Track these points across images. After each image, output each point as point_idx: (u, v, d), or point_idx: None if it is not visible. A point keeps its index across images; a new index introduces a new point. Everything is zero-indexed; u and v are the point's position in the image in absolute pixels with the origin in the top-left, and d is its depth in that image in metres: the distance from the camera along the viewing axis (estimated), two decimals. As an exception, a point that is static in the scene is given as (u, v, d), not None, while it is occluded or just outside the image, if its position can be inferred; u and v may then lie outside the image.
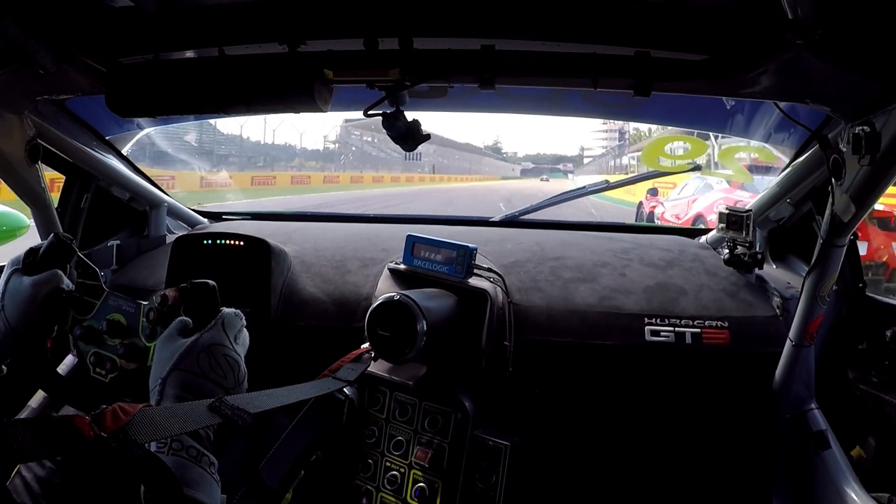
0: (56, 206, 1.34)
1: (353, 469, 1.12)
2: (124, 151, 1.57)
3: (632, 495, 1.28)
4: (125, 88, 0.92)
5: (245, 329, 0.77)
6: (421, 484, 1.05)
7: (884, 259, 4.51)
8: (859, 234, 1.19)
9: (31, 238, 1.20)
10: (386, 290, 1.25)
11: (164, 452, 0.63)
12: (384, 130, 0.95)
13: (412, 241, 1.24)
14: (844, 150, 0.89)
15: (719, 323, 1.21)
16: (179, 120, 2.04)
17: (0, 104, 1.02)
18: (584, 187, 1.93)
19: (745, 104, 1.40)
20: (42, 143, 1.16)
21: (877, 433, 1.19)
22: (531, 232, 1.62)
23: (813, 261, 1.05)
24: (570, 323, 1.23)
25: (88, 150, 1.36)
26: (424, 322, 1.01)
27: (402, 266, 1.26)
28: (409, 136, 0.96)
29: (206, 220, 1.86)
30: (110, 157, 1.47)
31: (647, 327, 1.22)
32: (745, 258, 1.34)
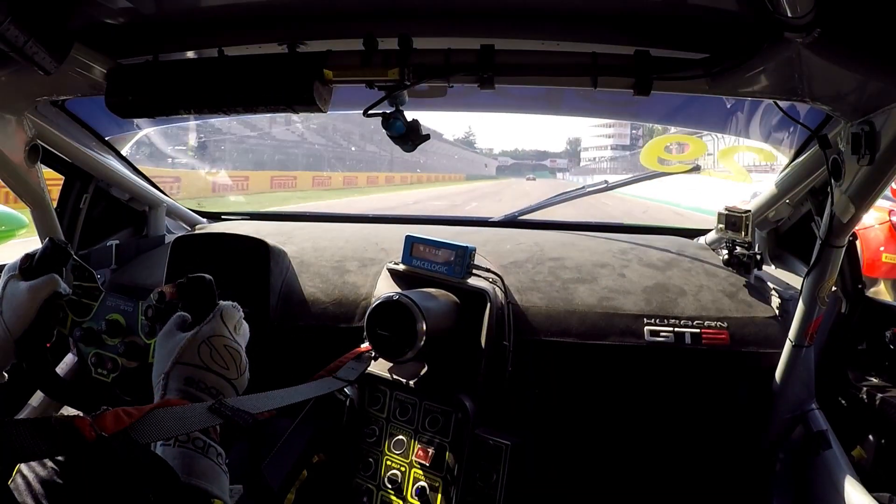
0: (55, 206, 1.34)
1: (354, 468, 1.12)
2: (124, 152, 1.58)
3: (632, 495, 1.28)
4: (125, 89, 0.93)
5: (244, 321, 0.78)
6: (421, 483, 1.05)
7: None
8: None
9: (32, 238, 1.20)
10: (385, 290, 1.25)
11: (170, 444, 0.63)
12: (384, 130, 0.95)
13: (411, 242, 1.24)
14: (844, 149, 0.89)
15: (719, 323, 1.21)
16: (179, 120, 2.04)
17: (0, 105, 1.02)
18: (584, 187, 1.92)
19: (745, 103, 1.40)
20: (42, 143, 1.16)
21: (877, 433, 1.19)
22: (530, 232, 1.62)
23: (812, 261, 1.05)
24: (569, 323, 1.23)
25: (88, 150, 1.36)
26: (424, 322, 1.01)
27: (401, 266, 1.26)
28: (409, 136, 0.96)
29: (205, 220, 1.86)
30: (110, 157, 1.48)
31: (646, 328, 1.22)
32: (745, 259, 1.34)
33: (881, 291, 3.86)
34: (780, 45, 0.76)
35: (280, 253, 1.37)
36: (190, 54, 0.99)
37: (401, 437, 1.10)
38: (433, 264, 1.20)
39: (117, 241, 1.52)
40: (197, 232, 1.72)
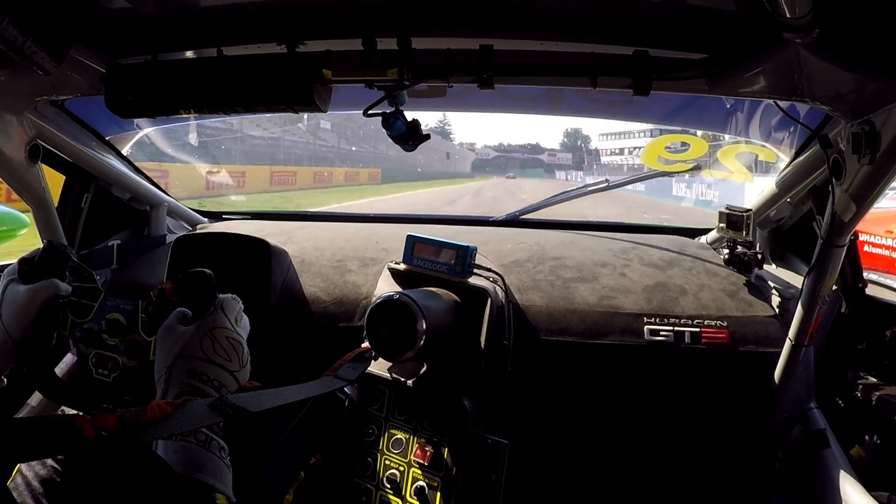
0: (56, 206, 1.34)
1: (353, 468, 1.12)
2: (124, 151, 1.58)
3: (632, 494, 1.28)
4: (124, 89, 0.93)
5: (244, 314, 0.78)
6: (420, 483, 1.05)
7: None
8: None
9: (31, 238, 1.20)
10: (386, 289, 1.25)
11: (172, 439, 0.63)
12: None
13: (412, 241, 1.24)
14: (844, 148, 0.89)
15: (719, 323, 1.21)
16: (179, 120, 2.04)
17: (0, 105, 1.02)
18: (585, 186, 1.92)
19: (745, 103, 1.40)
20: (42, 143, 1.16)
21: (876, 432, 1.19)
22: (531, 231, 1.62)
23: (813, 260, 1.05)
24: (569, 322, 1.23)
25: (88, 150, 1.36)
26: (424, 321, 1.01)
27: (401, 265, 1.26)
28: (409, 136, 0.96)
29: (206, 219, 1.86)
30: (110, 157, 1.48)
31: (646, 327, 1.22)
32: (745, 258, 1.34)
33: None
34: (779, 45, 0.75)
35: (281, 252, 1.37)
36: (189, 54, 0.99)
37: (399, 436, 1.11)
38: (434, 263, 1.20)
39: (119, 241, 1.52)
40: (198, 231, 1.72)
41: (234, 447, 0.81)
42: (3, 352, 0.80)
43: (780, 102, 1.04)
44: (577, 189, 1.91)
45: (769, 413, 1.19)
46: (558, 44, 0.88)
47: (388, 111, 0.93)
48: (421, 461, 1.06)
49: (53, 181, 1.31)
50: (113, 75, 0.93)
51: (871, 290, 1.30)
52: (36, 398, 1.16)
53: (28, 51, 0.78)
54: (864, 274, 1.29)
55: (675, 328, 1.21)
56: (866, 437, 1.21)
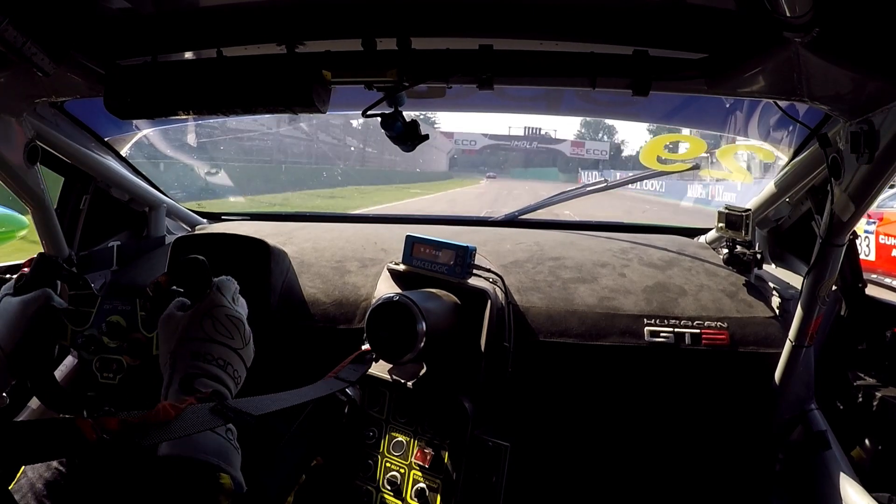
0: (55, 207, 1.34)
1: (353, 470, 1.12)
2: (123, 153, 1.58)
3: (632, 495, 1.28)
4: (123, 90, 0.92)
5: (240, 295, 0.79)
6: (421, 484, 1.05)
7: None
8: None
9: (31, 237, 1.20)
10: (385, 290, 1.25)
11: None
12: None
13: (412, 242, 1.24)
14: (843, 148, 0.89)
15: (719, 323, 1.21)
16: (178, 121, 2.04)
17: (-1, 106, 1.02)
18: (584, 186, 1.92)
19: (744, 103, 1.40)
20: (41, 144, 1.16)
21: (877, 433, 1.18)
22: (530, 232, 1.62)
23: (812, 260, 1.05)
24: (569, 323, 1.23)
25: (87, 151, 1.36)
26: (424, 322, 1.01)
27: (401, 266, 1.26)
28: (408, 137, 0.96)
29: (205, 220, 1.86)
30: (109, 158, 1.48)
31: (646, 328, 1.21)
32: (745, 258, 1.34)
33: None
34: (779, 45, 0.75)
35: (280, 253, 1.37)
36: (188, 55, 0.99)
37: (400, 438, 1.10)
38: (434, 264, 1.20)
39: (118, 242, 1.52)
40: (197, 232, 1.72)
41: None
42: None
43: (779, 102, 1.04)
44: (576, 189, 1.91)
45: (770, 414, 1.19)
46: (557, 44, 0.88)
47: (387, 112, 0.93)
48: (421, 463, 1.06)
49: (53, 183, 1.31)
50: (112, 77, 0.93)
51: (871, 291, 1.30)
52: (36, 401, 1.16)
53: (27, 52, 0.79)
54: (890, 281, 1.29)
55: (676, 329, 1.21)
56: (867, 439, 1.21)
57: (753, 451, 1.22)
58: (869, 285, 1.28)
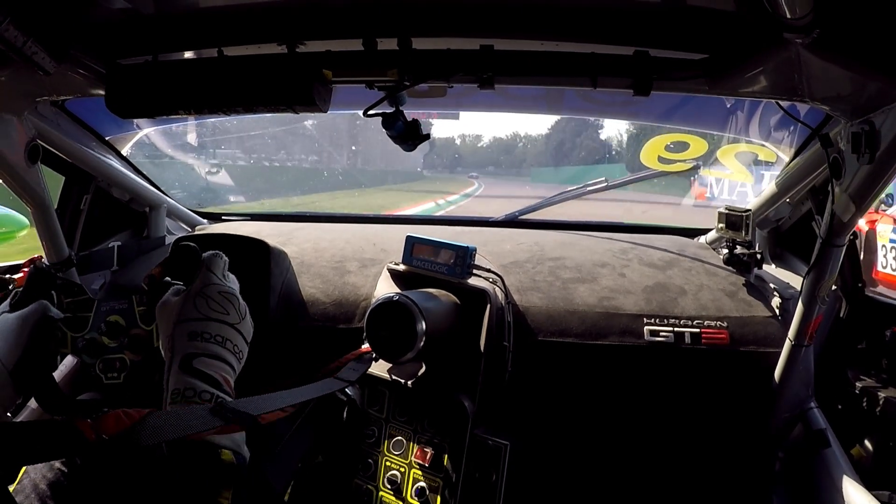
0: (56, 207, 1.34)
1: (353, 469, 1.12)
2: (124, 152, 1.58)
3: (632, 494, 1.28)
4: (124, 89, 0.92)
5: (230, 272, 0.79)
6: (421, 483, 1.05)
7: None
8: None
9: (31, 240, 1.20)
10: (385, 290, 1.25)
11: (177, 402, 0.64)
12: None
13: (412, 242, 1.24)
14: (844, 148, 0.89)
15: (719, 323, 1.21)
16: (179, 121, 2.04)
17: (0, 105, 1.02)
18: (584, 186, 1.92)
19: (745, 103, 1.40)
20: (42, 143, 1.16)
21: (876, 432, 1.19)
22: (530, 232, 1.62)
23: (812, 260, 1.05)
24: (569, 323, 1.23)
25: (88, 150, 1.36)
26: (423, 322, 1.01)
27: (401, 266, 1.26)
28: (409, 136, 0.96)
29: (205, 220, 1.86)
30: (110, 157, 1.48)
31: (646, 327, 1.22)
32: (745, 258, 1.34)
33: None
34: (780, 45, 0.75)
35: (280, 254, 1.37)
36: (189, 54, 0.99)
37: (400, 437, 1.10)
38: (434, 264, 1.20)
39: (119, 243, 1.52)
40: (197, 233, 1.72)
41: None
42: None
43: (780, 102, 1.04)
44: (575, 189, 1.91)
45: (769, 413, 1.19)
46: (558, 44, 0.88)
47: (388, 111, 0.93)
48: (421, 462, 1.06)
49: (53, 182, 1.31)
50: (113, 75, 0.93)
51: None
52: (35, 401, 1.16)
53: (28, 51, 0.79)
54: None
55: (675, 329, 1.21)
56: (867, 437, 1.21)
57: (753, 450, 1.22)
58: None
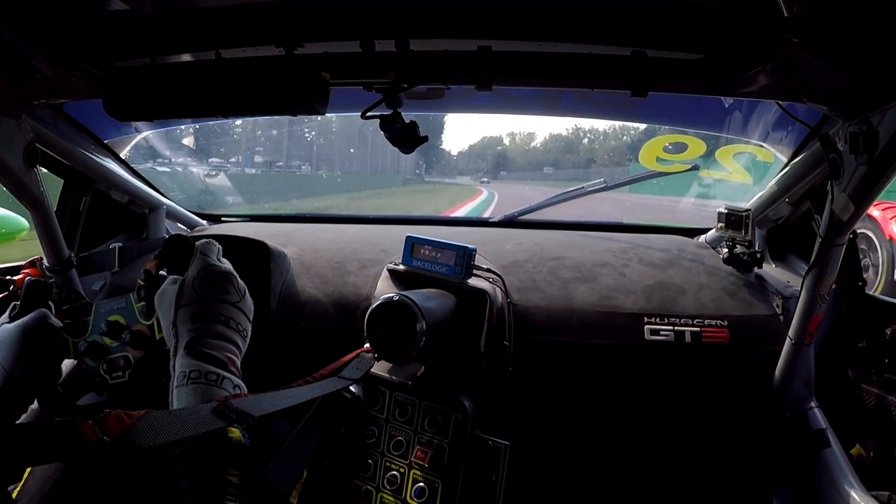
0: (55, 209, 1.34)
1: (353, 469, 1.12)
2: (122, 155, 1.58)
3: (632, 494, 1.28)
4: (122, 92, 0.92)
5: (223, 257, 0.80)
6: (421, 484, 1.05)
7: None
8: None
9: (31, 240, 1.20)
10: (385, 290, 1.25)
11: (183, 384, 0.64)
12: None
13: (412, 242, 1.24)
14: (842, 148, 0.89)
15: (719, 322, 1.21)
16: (177, 123, 2.04)
17: (-3, 109, 1.02)
18: (583, 187, 1.92)
19: (743, 103, 1.40)
20: (40, 146, 1.16)
21: (877, 431, 1.19)
22: (530, 232, 1.62)
23: (812, 259, 1.05)
24: (569, 323, 1.23)
25: (87, 153, 1.36)
26: (424, 322, 1.01)
27: (401, 267, 1.26)
28: (407, 139, 0.96)
29: (204, 222, 1.86)
30: (109, 160, 1.48)
31: (646, 327, 1.22)
32: (745, 257, 1.34)
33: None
34: (777, 45, 0.75)
35: (280, 255, 1.37)
36: (187, 57, 0.99)
37: (400, 437, 1.10)
38: (434, 265, 1.20)
39: (120, 244, 1.52)
40: (196, 234, 1.72)
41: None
42: (2, 390, 0.80)
43: (778, 102, 1.04)
44: (575, 189, 1.91)
45: (769, 412, 1.19)
46: (556, 45, 0.88)
47: (386, 113, 0.93)
48: (421, 462, 1.06)
49: (52, 185, 1.31)
50: (111, 79, 0.93)
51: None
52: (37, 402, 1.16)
53: (26, 54, 0.79)
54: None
55: (676, 328, 1.21)
56: (867, 437, 1.21)
57: (753, 449, 1.22)
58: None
